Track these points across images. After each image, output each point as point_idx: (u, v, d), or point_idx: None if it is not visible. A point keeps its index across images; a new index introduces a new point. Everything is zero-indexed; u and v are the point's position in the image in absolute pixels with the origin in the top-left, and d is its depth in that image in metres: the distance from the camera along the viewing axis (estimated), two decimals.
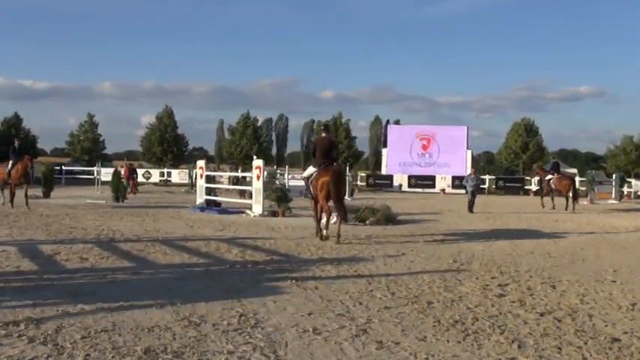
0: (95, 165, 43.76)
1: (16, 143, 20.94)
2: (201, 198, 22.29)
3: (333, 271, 9.24)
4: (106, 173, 36.11)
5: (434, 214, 22.02)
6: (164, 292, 7.45)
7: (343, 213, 12.71)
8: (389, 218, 17.37)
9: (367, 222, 16.77)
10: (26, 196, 19.74)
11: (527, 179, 46.27)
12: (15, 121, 76.73)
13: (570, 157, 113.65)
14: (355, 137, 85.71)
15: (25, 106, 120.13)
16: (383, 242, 13.04)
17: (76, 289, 7.45)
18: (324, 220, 13.36)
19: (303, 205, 19.34)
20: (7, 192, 20.74)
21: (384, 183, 46.62)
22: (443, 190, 43.02)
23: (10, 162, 20.30)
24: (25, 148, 22.33)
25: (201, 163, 23.56)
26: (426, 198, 34.74)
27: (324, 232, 13.06)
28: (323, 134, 14.01)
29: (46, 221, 15.75)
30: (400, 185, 45.07)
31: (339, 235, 12.59)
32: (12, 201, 19.99)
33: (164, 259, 10.01)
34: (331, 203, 12.98)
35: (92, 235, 13.13)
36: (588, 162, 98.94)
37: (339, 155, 16.25)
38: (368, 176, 49.92)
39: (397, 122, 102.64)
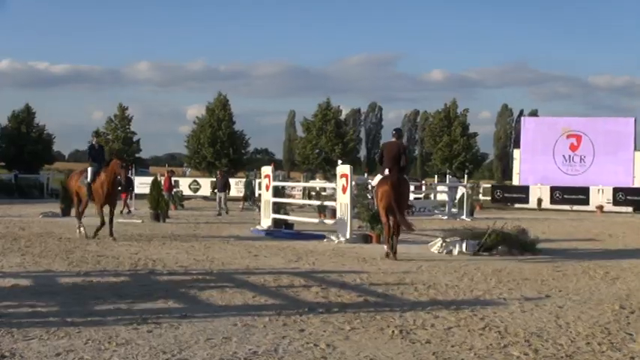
0: (127, 172, 45.18)
1: (95, 141, 20.25)
2: (266, 217, 22.56)
3: (450, 319, 9.14)
4: (141, 184, 37.27)
5: (589, 240, 21.56)
6: (223, 343, 7.56)
7: (406, 223, 15.26)
8: (525, 246, 17.11)
9: (495, 251, 16.61)
10: (111, 221, 18.57)
11: None
12: (26, 116, 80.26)
13: None
14: (475, 134, 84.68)
15: (38, 95, 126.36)
16: (518, 279, 12.81)
17: (108, 336, 7.67)
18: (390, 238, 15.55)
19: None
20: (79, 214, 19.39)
21: (516, 197, 46.01)
22: (600, 208, 41.95)
23: (89, 170, 18.87)
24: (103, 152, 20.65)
25: (267, 170, 23.82)
26: (576, 218, 34.00)
27: (388, 251, 15.56)
28: (393, 139, 16.55)
29: (66, 247, 16.35)
30: (539, 201, 44.33)
31: (395, 251, 15.35)
32: (98, 230, 18.57)
33: (221, 298, 10.15)
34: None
35: (126, 265, 13.51)
36: None
37: (408, 163, 16.94)
38: (493, 188, 49.44)
39: (534, 113, 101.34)
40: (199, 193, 49.53)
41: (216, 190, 34.29)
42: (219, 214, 30.89)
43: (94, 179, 18.66)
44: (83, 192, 19.01)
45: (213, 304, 9.77)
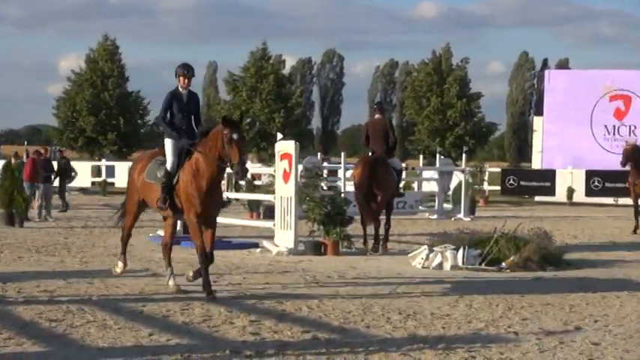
0: None
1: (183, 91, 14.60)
2: None
3: None
4: None
5: (637, 249, 21.80)
6: None
7: (375, 216, 17.75)
8: (548, 257, 17.36)
9: (504, 264, 16.81)
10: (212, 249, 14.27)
11: None
12: None
13: None
14: (479, 95, 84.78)
15: None
16: (536, 305, 12.98)
17: None
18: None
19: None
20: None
21: (538, 187, 46.46)
22: None
23: (170, 154, 14.37)
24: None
25: None
26: (623, 217, 34.23)
27: (368, 242, 17.31)
28: (376, 115, 18.90)
29: None
30: (570, 191, 44.78)
31: (377, 241, 17.90)
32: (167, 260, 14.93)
33: (102, 338, 10.12)
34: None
35: None
36: None
37: (397, 142, 17.79)
38: (505, 173, 49.68)
39: (564, 64, 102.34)
40: (75, 184, 49.09)
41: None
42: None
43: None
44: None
45: (91, 346, 9.72)
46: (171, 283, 14.15)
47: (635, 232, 25.34)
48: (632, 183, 25.86)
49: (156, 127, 66.95)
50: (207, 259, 13.54)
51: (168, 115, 14.52)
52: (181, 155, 14.03)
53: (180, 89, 14.45)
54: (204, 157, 13.60)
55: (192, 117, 14.60)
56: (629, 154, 25.72)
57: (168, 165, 14.07)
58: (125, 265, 15.26)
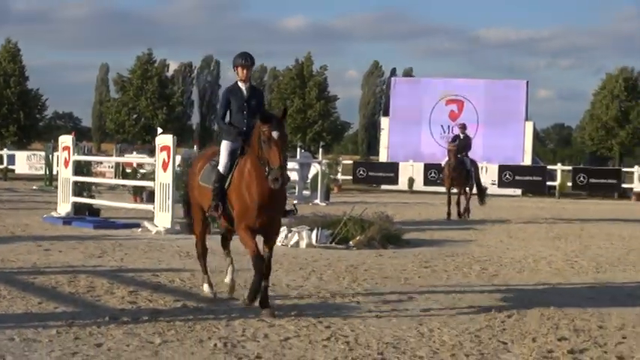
0: None
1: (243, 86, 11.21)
2: (65, 201, 22.18)
3: (289, 328, 9.32)
4: None
5: (467, 229, 22.30)
6: None
7: None
8: (388, 237, 17.56)
9: (351, 243, 16.94)
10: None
11: (626, 172, 46.89)
12: None
13: None
14: (336, 97, 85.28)
15: None
16: (377, 278, 13.12)
17: None
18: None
19: None
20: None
21: (384, 177, 47.06)
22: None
23: (224, 155, 10.97)
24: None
25: (66, 140, 23.46)
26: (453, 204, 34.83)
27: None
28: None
29: None
30: (411, 181, 45.36)
31: None
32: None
33: None
34: None
35: None
36: None
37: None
38: (356, 165, 50.16)
39: (409, 73, 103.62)
40: None
41: None
42: None
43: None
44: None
45: None
46: (206, 287, 11.28)
47: (448, 217, 25.52)
48: (447, 175, 26.11)
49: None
50: (262, 263, 10.09)
51: (227, 115, 11.20)
52: (235, 155, 10.79)
53: (240, 83, 11.11)
54: (252, 158, 10.26)
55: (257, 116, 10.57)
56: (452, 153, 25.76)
57: (221, 167, 10.83)
58: (211, 285, 11.31)
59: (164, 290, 11.45)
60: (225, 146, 10.84)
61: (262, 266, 10.02)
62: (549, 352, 8.65)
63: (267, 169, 9.70)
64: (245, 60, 10.91)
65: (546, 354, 8.55)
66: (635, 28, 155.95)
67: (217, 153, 11.01)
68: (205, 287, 11.29)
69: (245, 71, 10.93)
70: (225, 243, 11.53)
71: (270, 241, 10.40)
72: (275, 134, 9.74)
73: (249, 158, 10.22)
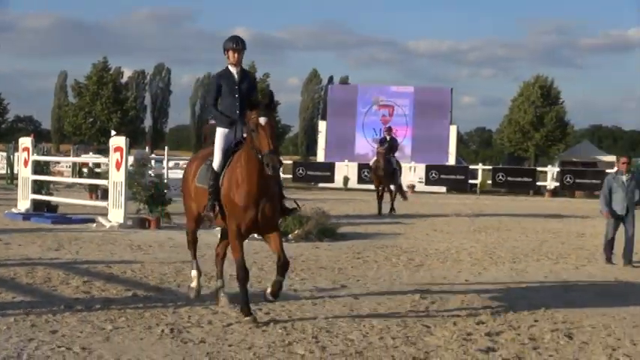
0: None
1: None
2: (25, 198, 22.36)
3: (231, 315, 9.63)
4: None
5: (396, 223, 22.68)
6: None
7: None
8: (324, 231, 17.95)
9: (290, 236, 17.27)
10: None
11: (540, 171, 47.65)
12: None
13: (608, 137, 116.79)
14: (278, 103, 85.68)
15: None
16: (313, 268, 13.50)
17: None
18: None
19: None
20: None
21: (321, 176, 47.34)
22: (412, 187, 43.86)
23: (217, 150, 10.26)
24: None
25: (26, 141, 23.62)
26: (387, 200, 35.13)
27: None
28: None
29: None
30: (346, 179, 45.70)
31: None
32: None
33: None
34: None
35: None
36: (635, 145, 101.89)
37: None
38: (295, 165, 50.33)
39: (345, 81, 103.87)
40: None
41: None
42: None
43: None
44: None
45: None
46: (222, 297, 10.35)
47: (379, 212, 25.91)
48: (376, 173, 26.52)
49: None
50: (247, 274, 9.65)
51: (219, 101, 10.39)
52: (228, 153, 10.00)
53: (231, 67, 10.37)
54: (246, 152, 9.51)
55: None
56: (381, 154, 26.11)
57: (215, 164, 10.03)
58: (199, 270, 10.78)
59: (116, 280, 11.67)
60: (219, 139, 10.10)
61: (245, 277, 9.55)
62: (469, 334, 9.02)
63: (260, 156, 9.09)
64: (236, 44, 10.33)
65: (466, 336, 8.92)
66: (549, 40, 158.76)
67: (212, 154, 10.21)
68: (193, 273, 10.74)
69: (236, 55, 10.31)
70: (219, 262, 10.84)
71: (270, 241, 9.79)
72: (262, 120, 9.18)
73: (243, 152, 9.53)
